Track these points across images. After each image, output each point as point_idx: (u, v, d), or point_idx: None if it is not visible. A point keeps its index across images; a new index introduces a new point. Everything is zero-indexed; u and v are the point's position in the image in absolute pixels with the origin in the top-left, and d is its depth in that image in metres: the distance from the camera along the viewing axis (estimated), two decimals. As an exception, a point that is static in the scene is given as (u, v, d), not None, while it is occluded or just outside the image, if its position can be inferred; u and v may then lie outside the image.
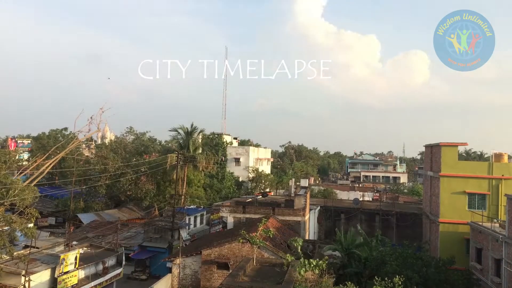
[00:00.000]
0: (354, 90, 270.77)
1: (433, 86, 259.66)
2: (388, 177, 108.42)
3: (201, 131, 56.22)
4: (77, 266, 23.83)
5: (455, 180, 32.18)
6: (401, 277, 16.83)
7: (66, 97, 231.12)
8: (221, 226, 43.89)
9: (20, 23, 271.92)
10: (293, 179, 53.86)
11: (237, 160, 69.47)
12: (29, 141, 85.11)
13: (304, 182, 46.51)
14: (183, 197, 47.81)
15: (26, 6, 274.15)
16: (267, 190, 61.57)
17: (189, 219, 40.01)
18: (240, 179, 67.58)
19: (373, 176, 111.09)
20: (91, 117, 27.41)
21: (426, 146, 38.95)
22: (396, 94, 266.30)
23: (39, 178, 27.57)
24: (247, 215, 34.92)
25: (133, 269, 33.74)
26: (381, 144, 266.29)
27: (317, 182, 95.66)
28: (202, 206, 47.00)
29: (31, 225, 21.27)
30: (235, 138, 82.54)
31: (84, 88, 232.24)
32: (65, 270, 22.85)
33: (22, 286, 20.44)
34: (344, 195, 67.93)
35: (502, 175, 31.66)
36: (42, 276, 22.11)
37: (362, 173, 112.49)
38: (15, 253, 21.06)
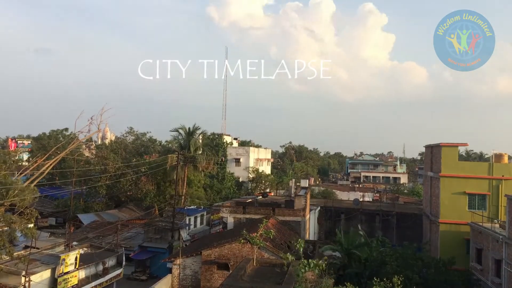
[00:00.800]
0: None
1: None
2: (388, 177, 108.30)
3: (202, 132, 56.23)
4: (77, 267, 23.82)
5: (455, 180, 32.17)
6: (401, 277, 16.79)
7: (66, 97, 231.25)
8: (221, 226, 43.88)
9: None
10: (293, 180, 53.90)
11: (237, 161, 69.47)
12: (30, 142, 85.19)
13: (304, 183, 46.39)
14: (183, 197, 47.80)
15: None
16: (267, 190, 61.57)
17: (189, 219, 40.00)
18: (240, 180, 67.58)
19: (373, 177, 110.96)
20: (91, 118, 27.31)
21: (426, 147, 38.96)
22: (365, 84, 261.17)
23: (40, 178, 27.55)
24: (247, 216, 34.89)
25: (133, 270, 33.74)
26: (381, 145, 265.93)
27: (317, 182, 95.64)
28: (202, 207, 46.98)
29: (31, 225, 21.28)
30: (236, 139, 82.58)
31: (85, 88, 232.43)
32: (65, 271, 22.84)
33: (22, 287, 20.44)
34: (344, 196, 67.87)
35: (502, 176, 31.66)
36: (42, 276, 22.11)
37: (362, 174, 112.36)
38: (15, 254, 21.06)
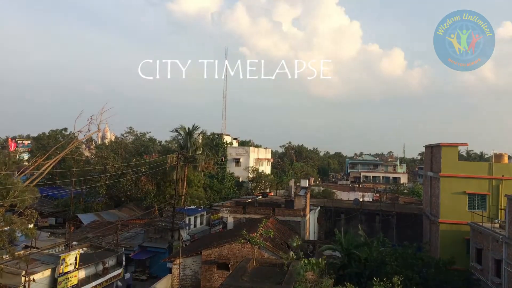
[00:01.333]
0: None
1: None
2: (388, 177, 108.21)
3: (201, 132, 56.25)
4: (77, 267, 23.83)
5: (455, 180, 32.16)
6: (401, 277, 16.79)
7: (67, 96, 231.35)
8: (221, 226, 43.85)
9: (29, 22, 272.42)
10: (293, 180, 53.90)
11: (237, 161, 69.47)
12: (29, 142, 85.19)
13: (304, 183, 46.42)
14: (183, 197, 47.79)
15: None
16: (267, 190, 61.57)
17: (189, 219, 39.97)
18: (240, 180, 67.56)
19: (373, 177, 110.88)
20: (91, 117, 27.24)
21: (426, 147, 38.95)
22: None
23: (39, 178, 27.52)
24: (247, 216, 34.94)
25: (133, 270, 33.73)
26: (381, 145, 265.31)
27: (317, 182, 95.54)
28: (202, 207, 46.96)
29: (31, 225, 21.29)
30: (235, 139, 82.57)
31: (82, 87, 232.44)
32: (65, 271, 22.86)
33: (22, 287, 20.44)
34: (344, 196, 67.87)
35: (502, 176, 31.65)
36: (43, 276, 22.11)
37: (362, 174, 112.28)
38: (15, 254, 21.07)
